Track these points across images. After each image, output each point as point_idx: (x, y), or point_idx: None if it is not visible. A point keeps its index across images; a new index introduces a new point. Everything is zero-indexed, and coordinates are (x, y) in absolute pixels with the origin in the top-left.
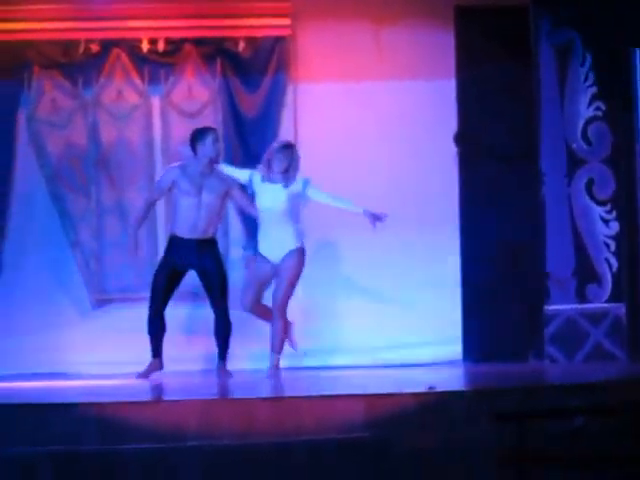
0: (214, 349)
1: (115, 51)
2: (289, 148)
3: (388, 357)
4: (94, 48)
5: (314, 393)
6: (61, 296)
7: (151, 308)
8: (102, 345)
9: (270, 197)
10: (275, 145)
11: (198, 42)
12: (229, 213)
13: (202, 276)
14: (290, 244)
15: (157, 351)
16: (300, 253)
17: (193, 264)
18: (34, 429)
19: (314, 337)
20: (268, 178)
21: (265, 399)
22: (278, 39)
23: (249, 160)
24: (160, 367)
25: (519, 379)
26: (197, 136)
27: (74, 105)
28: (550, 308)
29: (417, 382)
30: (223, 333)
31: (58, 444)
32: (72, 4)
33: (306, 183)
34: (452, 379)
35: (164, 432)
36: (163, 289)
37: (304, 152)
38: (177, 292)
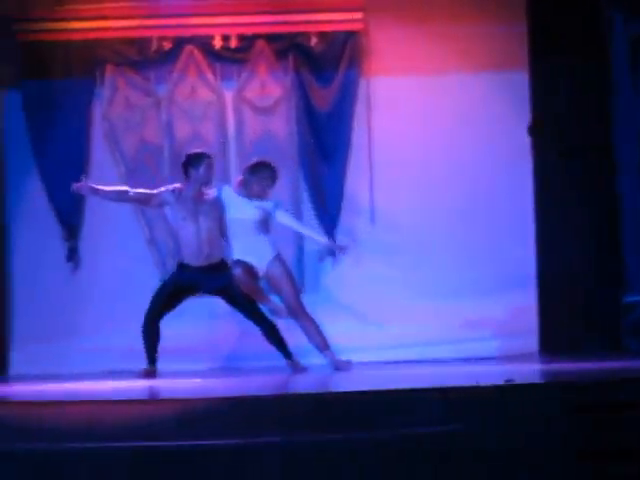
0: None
1: (188, 48)
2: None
3: (464, 350)
4: (167, 45)
5: (390, 387)
6: (137, 294)
7: (149, 315)
8: (180, 342)
9: (237, 210)
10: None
11: (270, 38)
12: (302, 198)
13: (221, 295)
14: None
15: (152, 359)
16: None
17: (205, 288)
18: (111, 425)
19: (386, 331)
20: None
21: (337, 394)
22: (350, 33)
23: (323, 154)
24: (153, 373)
25: (597, 372)
26: (191, 161)
27: (147, 102)
28: (628, 299)
29: (494, 375)
30: (272, 336)
31: (135, 440)
32: (145, 2)
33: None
34: (529, 372)
35: (241, 428)
36: (165, 302)
37: (377, 145)
38: None
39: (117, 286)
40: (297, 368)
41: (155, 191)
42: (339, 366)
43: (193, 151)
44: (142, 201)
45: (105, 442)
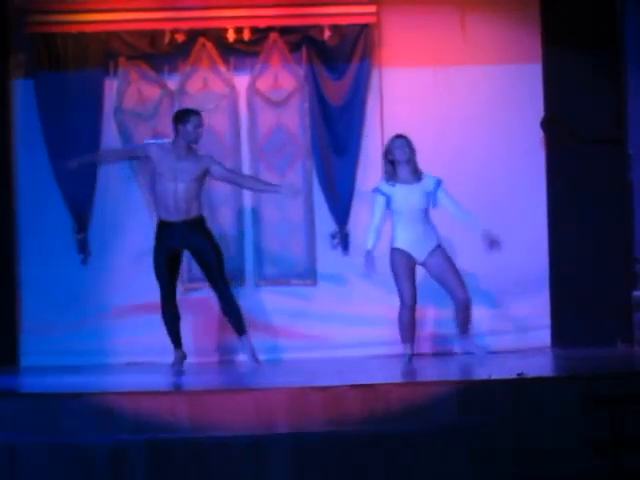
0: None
1: (201, 40)
2: (402, 138)
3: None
4: (180, 38)
5: (406, 379)
6: (149, 285)
7: (162, 296)
8: (191, 333)
9: (403, 198)
10: (389, 140)
11: (283, 30)
12: (314, 191)
13: (196, 255)
14: (432, 241)
15: (177, 342)
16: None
17: (184, 244)
18: (125, 417)
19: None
20: (397, 179)
21: (354, 386)
22: (363, 26)
23: (336, 147)
24: (184, 357)
25: (609, 365)
26: (180, 117)
27: (160, 95)
28: (639, 293)
29: (507, 368)
30: (231, 310)
31: (150, 432)
32: None
33: (438, 183)
34: (542, 365)
35: (254, 420)
36: (166, 273)
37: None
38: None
39: (127, 277)
40: (251, 356)
41: (139, 146)
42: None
43: (183, 107)
44: (130, 154)
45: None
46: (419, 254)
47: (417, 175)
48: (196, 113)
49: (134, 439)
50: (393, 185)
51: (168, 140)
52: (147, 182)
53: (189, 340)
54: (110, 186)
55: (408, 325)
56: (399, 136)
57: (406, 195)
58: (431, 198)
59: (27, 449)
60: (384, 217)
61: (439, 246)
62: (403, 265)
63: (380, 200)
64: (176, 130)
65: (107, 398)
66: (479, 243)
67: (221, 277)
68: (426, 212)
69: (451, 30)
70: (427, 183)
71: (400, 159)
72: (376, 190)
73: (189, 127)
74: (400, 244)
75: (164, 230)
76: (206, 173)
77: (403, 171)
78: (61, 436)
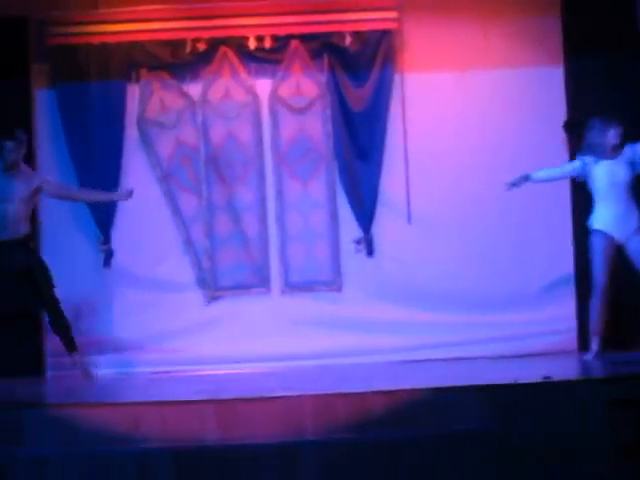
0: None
1: (222, 49)
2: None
3: (502, 348)
4: (201, 47)
5: (430, 384)
6: (173, 294)
7: None
8: (215, 343)
9: (606, 173)
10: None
11: (305, 38)
12: (338, 198)
13: (24, 275)
14: (635, 220)
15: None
16: None
17: (11, 264)
18: (152, 427)
19: (427, 329)
20: (600, 156)
21: (378, 392)
22: (385, 32)
23: (359, 153)
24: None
25: (634, 368)
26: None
27: (182, 104)
28: None
29: (532, 372)
30: (61, 327)
31: (177, 441)
32: (179, 4)
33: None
34: (568, 369)
35: (281, 427)
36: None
37: (413, 143)
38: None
39: (150, 286)
40: (84, 371)
41: None
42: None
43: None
44: None
45: (149, 443)
46: (621, 233)
47: (617, 149)
48: (14, 138)
49: (161, 449)
50: (595, 162)
51: None
52: None
53: (218, 348)
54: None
55: (598, 316)
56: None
57: (608, 170)
58: (636, 166)
59: (55, 460)
60: (565, 174)
61: None
62: (602, 251)
63: (576, 163)
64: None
65: (134, 408)
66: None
67: (50, 295)
68: (629, 187)
69: (472, 34)
70: (627, 152)
71: (600, 141)
72: (578, 157)
73: (7, 150)
74: (600, 225)
75: None
76: (38, 191)
77: (602, 148)
78: (87, 446)
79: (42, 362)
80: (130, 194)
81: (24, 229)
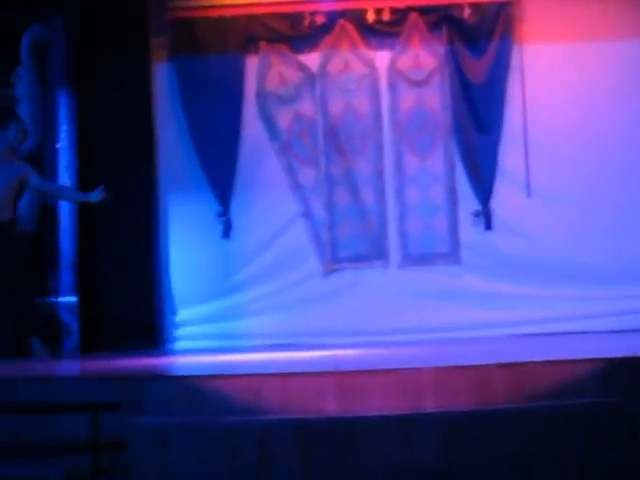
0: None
1: (340, 22)
2: None
3: (624, 321)
4: (319, 20)
5: (549, 357)
6: (292, 266)
7: None
8: (334, 315)
9: None
10: None
11: (423, 10)
12: (456, 170)
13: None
14: None
15: None
16: None
17: None
18: (273, 398)
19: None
20: None
21: (499, 365)
22: (503, 4)
23: (477, 125)
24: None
25: None
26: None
27: (301, 78)
28: None
29: None
30: (26, 312)
31: (298, 413)
32: None
33: None
34: None
35: (400, 400)
36: None
37: (532, 114)
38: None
39: (269, 258)
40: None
41: None
42: None
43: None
44: None
45: (270, 415)
46: None
47: None
48: (18, 119)
49: (282, 420)
50: None
51: None
52: None
53: (337, 320)
54: (250, 165)
55: None
56: None
57: None
58: None
59: (177, 430)
60: None
61: None
62: None
63: None
64: None
65: (255, 379)
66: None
67: (24, 279)
68: None
69: (590, 5)
70: None
71: None
72: None
73: (10, 131)
74: None
75: None
76: (22, 182)
77: None
78: (209, 417)
79: (160, 334)
80: (103, 195)
81: (9, 214)
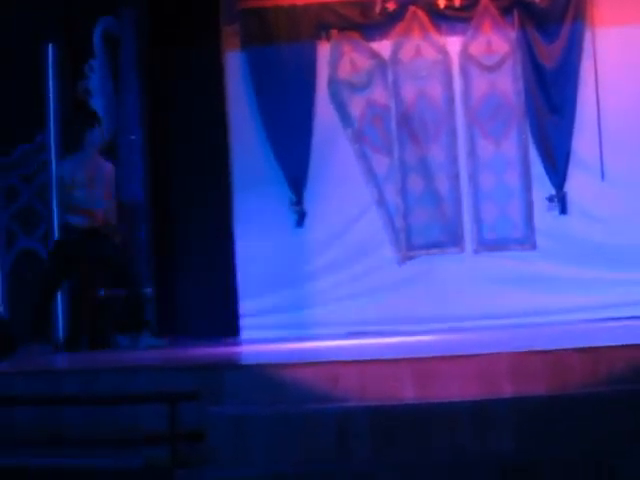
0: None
1: (411, 9)
2: None
3: None
4: (391, 7)
5: (627, 342)
6: (367, 253)
7: None
8: (409, 302)
9: None
10: None
11: None
12: (530, 154)
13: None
14: None
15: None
16: None
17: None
18: (351, 385)
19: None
20: None
21: (576, 349)
22: None
23: (551, 110)
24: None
25: None
26: (85, 126)
27: (373, 65)
28: None
29: None
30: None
31: (375, 400)
32: None
33: None
34: None
35: (477, 386)
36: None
37: (605, 99)
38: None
39: (343, 246)
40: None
41: (61, 177)
42: None
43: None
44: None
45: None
46: None
47: None
48: (99, 119)
49: (359, 407)
50: None
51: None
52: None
53: (413, 307)
54: (324, 153)
55: None
56: None
57: None
58: None
59: (254, 420)
60: None
61: None
62: None
63: None
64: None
65: (333, 367)
66: None
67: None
68: None
69: None
70: None
71: None
72: None
73: (96, 133)
74: None
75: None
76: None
77: None
78: (287, 406)
79: (236, 324)
80: None
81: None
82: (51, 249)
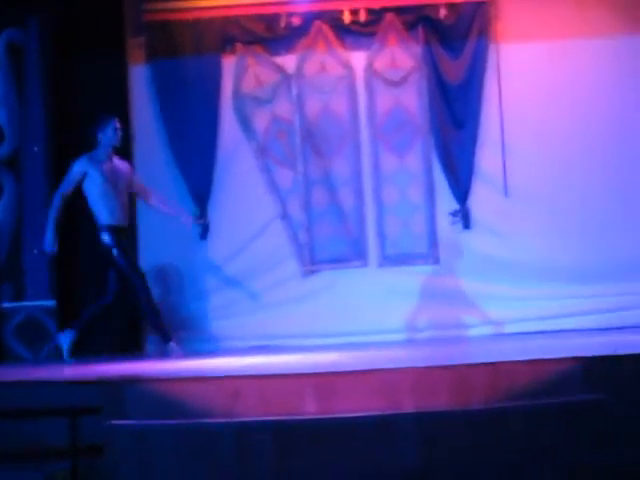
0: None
1: (317, 24)
2: None
3: (604, 319)
4: (296, 21)
5: (529, 357)
6: (270, 267)
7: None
8: (313, 316)
9: None
10: None
11: (399, 10)
12: (434, 170)
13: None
14: None
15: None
16: None
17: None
18: (251, 400)
19: (527, 303)
20: None
21: (478, 364)
22: (479, 3)
23: (455, 125)
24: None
25: None
26: (99, 124)
27: (278, 79)
28: None
29: (635, 344)
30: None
31: (278, 414)
32: None
33: None
34: None
35: (379, 400)
36: (133, 269)
37: (509, 114)
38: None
39: (247, 260)
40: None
41: (72, 172)
42: None
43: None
44: (73, 188)
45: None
46: None
47: None
48: (114, 118)
49: (260, 422)
50: None
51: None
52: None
53: (315, 321)
54: (228, 167)
55: None
56: None
57: None
58: None
59: (155, 433)
60: None
61: None
62: None
63: None
64: (96, 138)
65: (233, 381)
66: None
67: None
68: None
69: (566, 4)
70: None
71: None
72: None
73: (109, 131)
74: None
75: (119, 234)
76: (131, 181)
77: None
78: (188, 420)
79: (141, 338)
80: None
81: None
82: None
